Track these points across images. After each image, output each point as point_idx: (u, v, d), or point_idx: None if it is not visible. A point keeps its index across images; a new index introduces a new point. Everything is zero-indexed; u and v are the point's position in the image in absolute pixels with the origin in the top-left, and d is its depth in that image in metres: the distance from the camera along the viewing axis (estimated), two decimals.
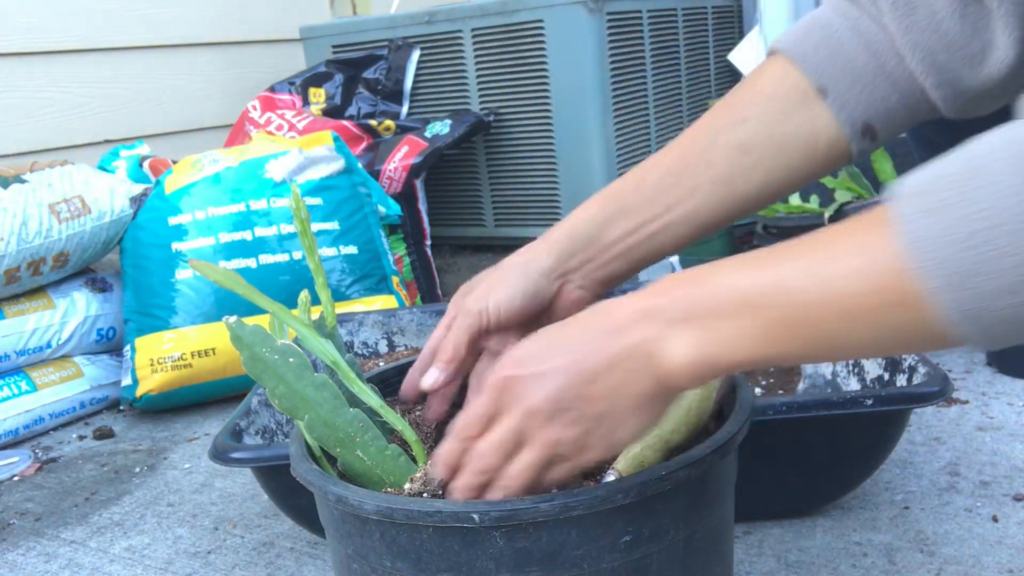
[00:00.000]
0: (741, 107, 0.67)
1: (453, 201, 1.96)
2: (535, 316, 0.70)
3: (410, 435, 0.67)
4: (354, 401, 0.66)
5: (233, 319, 0.64)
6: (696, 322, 0.50)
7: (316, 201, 1.50)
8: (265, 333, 0.64)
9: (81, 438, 1.42)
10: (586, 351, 0.52)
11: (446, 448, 0.58)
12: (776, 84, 0.66)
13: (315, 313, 0.71)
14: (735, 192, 0.67)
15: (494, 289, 0.69)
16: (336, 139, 1.57)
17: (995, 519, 0.91)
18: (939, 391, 0.83)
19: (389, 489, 0.64)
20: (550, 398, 0.52)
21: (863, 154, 0.68)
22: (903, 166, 1.31)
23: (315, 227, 1.49)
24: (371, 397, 0.67)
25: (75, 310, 1.49)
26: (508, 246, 1.94)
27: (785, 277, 0.47)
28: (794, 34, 0.67)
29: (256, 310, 0.67)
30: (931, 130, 1.06)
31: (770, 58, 0.68)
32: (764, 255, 0.49)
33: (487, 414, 0.55)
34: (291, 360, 0.63)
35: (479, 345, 0.71)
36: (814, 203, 1.47)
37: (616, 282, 0.71)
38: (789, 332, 0.47)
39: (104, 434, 1.41)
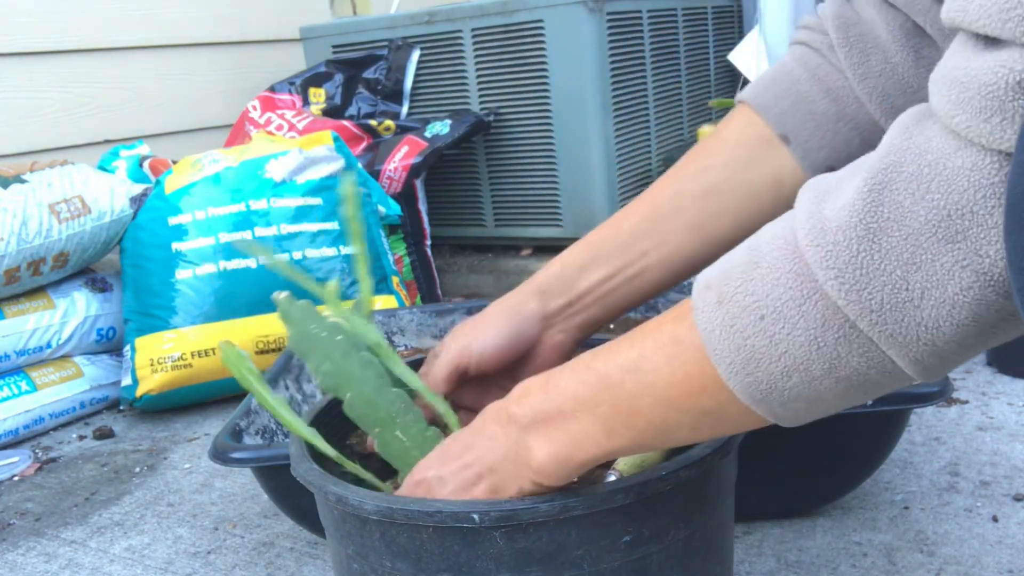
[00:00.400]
0: (707, 155, 0.69)
1: (453, 201, 1.96)
2: (517, 359, 0.71)
3: (452, 418, 0.68)
4: (395, 384, 0.67)
5: (284, 295, 0.65)
6: (546, 426, 0.54)
7: (316, 201, 1.50)
8: (314, 310, 0.65)
9: (81, 438, 1.42)
10: (473, 456, 0.58)
11: None
12: (741, 133, 0.68)
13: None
14: (707, 237, 0.68)
15: (477, 328, 0.71)
16: (336, 139, 1.56)
17: (995, 519, 0.91)
18: (939, 391, 0.83)
19: None
20: (446, 498, 0.58)
21: None
22: None
23: (315, 227, 1.49)
24: (414, 378, 0.68)
25: (75, 310, 1.49)
26: (508, 246, 1.95)
27: (608, 373, 0.51)
28: (759, 84, 0.68)
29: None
30: None
31: (736, 108, 0.70)
32: (594, 354, 0.53)
33: None
34: (339, 338, 0.64)
35: (460, 395, 0.73)
36: None
37: (594, 328, 0.73)
38: (623, 423, 0.50)
39: (104, 434, 1.41)
